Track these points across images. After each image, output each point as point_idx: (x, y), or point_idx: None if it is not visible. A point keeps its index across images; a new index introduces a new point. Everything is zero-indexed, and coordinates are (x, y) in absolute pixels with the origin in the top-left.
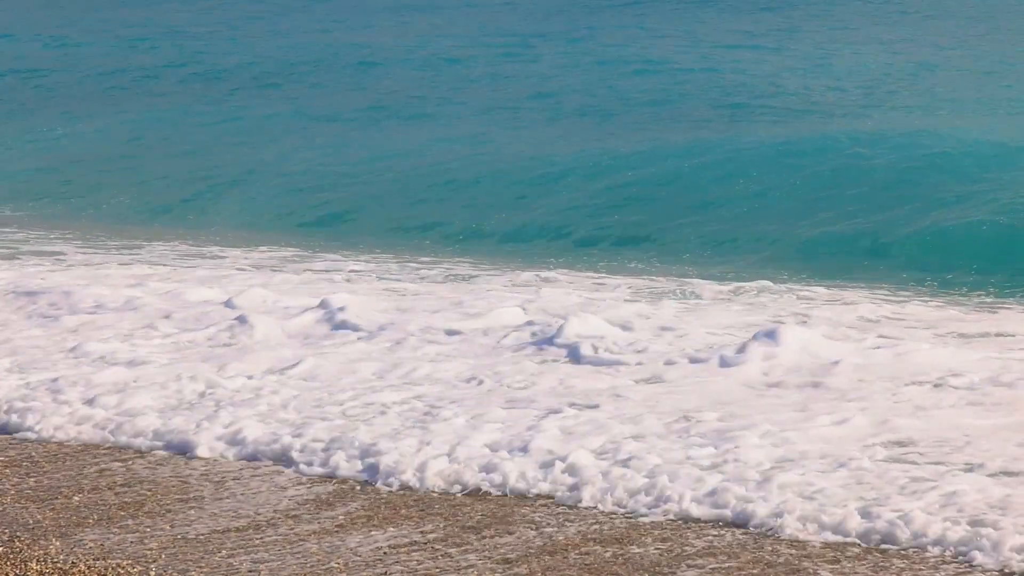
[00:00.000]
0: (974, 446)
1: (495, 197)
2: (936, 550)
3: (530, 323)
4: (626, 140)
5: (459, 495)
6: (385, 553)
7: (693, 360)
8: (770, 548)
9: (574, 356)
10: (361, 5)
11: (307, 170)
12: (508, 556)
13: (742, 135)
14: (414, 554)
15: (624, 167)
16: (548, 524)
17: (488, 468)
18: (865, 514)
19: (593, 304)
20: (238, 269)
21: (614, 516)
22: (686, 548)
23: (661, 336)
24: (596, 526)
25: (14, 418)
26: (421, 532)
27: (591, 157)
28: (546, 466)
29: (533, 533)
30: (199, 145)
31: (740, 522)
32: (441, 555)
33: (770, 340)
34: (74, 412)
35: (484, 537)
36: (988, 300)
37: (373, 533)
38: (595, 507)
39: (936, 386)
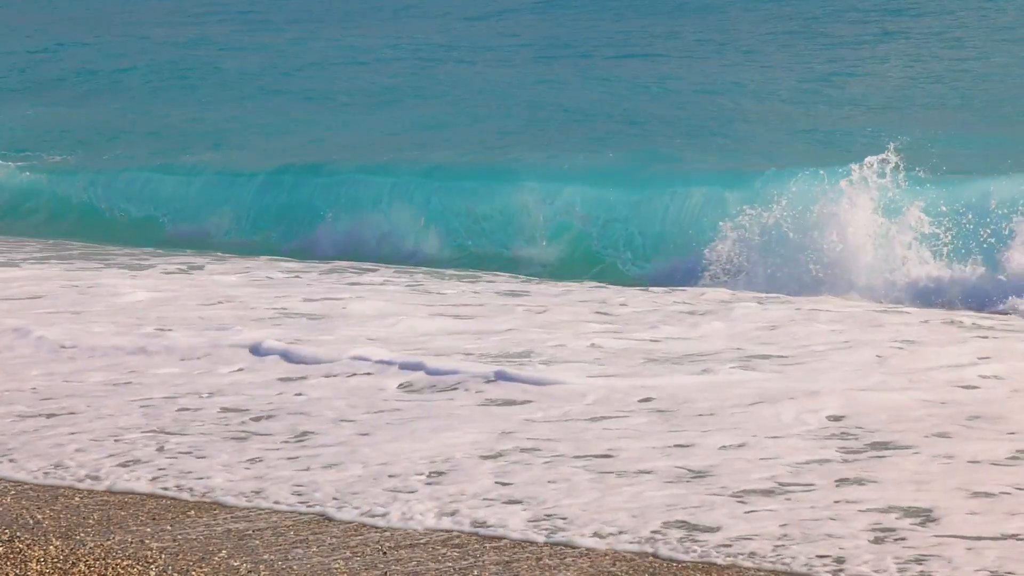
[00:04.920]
0: None
1: None
2: None
3: None
4: None
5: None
6: (385, 553)
7: None
8: None
9: None
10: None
11: None
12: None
13: None
14: (414, 554)
15: None
16: None
17: None
18: None
19: None
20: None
21: None
22: None
23: None
24: None
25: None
26: (420, 532)
27: None
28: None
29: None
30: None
31: None
32: (441, 555)
33: None
34: None
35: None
36: None
37: (373, 533)
38: None
39: None
